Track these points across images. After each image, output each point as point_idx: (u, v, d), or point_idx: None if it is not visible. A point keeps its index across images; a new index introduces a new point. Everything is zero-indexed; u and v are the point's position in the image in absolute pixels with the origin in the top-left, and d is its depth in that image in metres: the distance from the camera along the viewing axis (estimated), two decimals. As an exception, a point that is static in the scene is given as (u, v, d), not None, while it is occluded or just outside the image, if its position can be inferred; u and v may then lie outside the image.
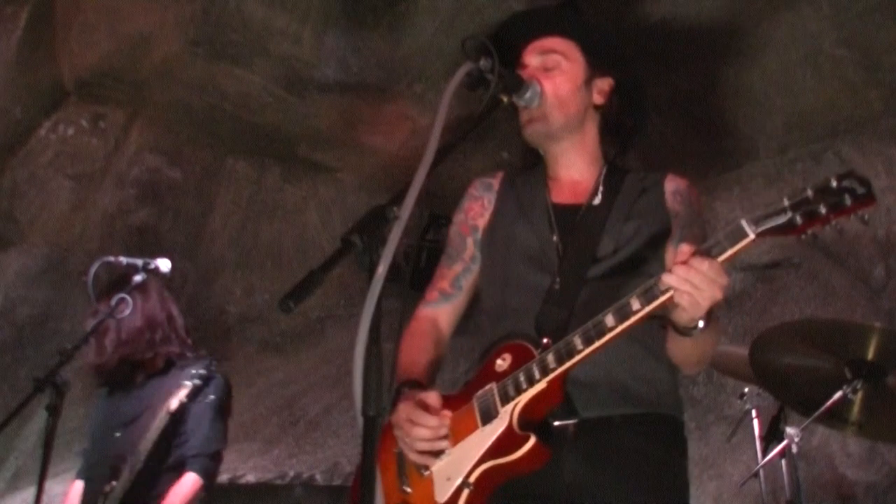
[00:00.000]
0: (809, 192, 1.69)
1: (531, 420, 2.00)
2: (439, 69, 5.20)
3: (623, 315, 1.89)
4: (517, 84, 2.18)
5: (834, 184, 1.67)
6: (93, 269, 3.44)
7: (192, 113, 5.63)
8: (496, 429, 2.01)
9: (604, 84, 2.35)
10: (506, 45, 2.30)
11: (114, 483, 3.41)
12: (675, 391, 2.22)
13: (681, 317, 1.85)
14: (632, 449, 2.07)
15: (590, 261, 2.18)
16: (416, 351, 2.33)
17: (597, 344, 1.93)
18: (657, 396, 2.14)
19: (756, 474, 3.52)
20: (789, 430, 3.29)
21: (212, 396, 3.63)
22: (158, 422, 3.45)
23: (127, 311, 3.41)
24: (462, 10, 5.00)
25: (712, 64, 4.97)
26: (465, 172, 5.34)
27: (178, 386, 3.51)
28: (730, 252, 1.77)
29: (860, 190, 1.65)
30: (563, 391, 2.02)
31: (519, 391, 2.01)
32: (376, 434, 1.54)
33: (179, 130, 5.73)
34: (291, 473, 5.18)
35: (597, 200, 2.27)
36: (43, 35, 5.13)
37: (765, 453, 3.45)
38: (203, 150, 5.84)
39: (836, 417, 3.18)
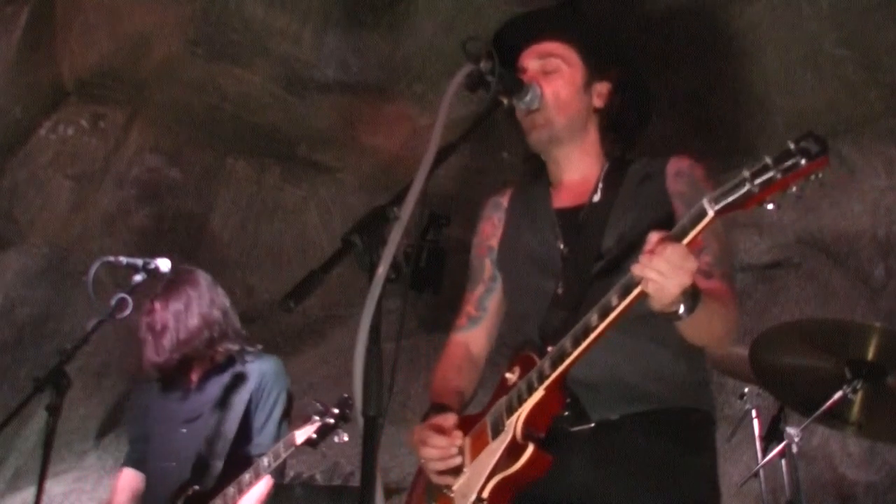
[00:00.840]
0: (768, 160, 1.64)
1: (536, 429, 2.00)
2: (439, 69, 5.20)
3: (604, 312, 1.88)
4: (517, 86, 2.18)
5: (792, 146, 1.62)
6: (93, 269, 3.41)
7: (192, 113, 5.63)
8: (503, 442, 2.03)
9: (602, 88, 2.36)
10: (504, 47, 2.31)
11: (196, 487, 3.39)
12: (698, 383, 2.19)
13: (653, 305, 1.83)
14: (638, 449, 2.06)
15: (593, 259, 2.18)
16: (445, 375, 2.36)
17: (584, 344, 1.91)
18: (671, 391, 2.12)
19: (756, 474, 3.52)
20: (789, 430, 3.29)
21: (276, 386, 3.61)
22: (281, 449, 3.36)
23: (127, 311, 3.39)
24: (462, 11, 5.00)
25: (712, 64, 4.97)
26: (465, 172, 5.35)
27: (307, 419, 3.42)
28: (692, 233, 1.75)
29: (814, 149, 1.60)
30: (563, 396, 2.02)
31: (521, 401, 2.02)
32: (376, 434, 1.54)
33: (179, 130, 5.73)
34: (291, 473, 5.17)
35: (597, 197, 2.27)
36: (43, 35, 5.13)
37: (765, 453, 3.45)
38: (203, 150, 5.84)
39: (836, 417, 3.18)
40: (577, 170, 2.35)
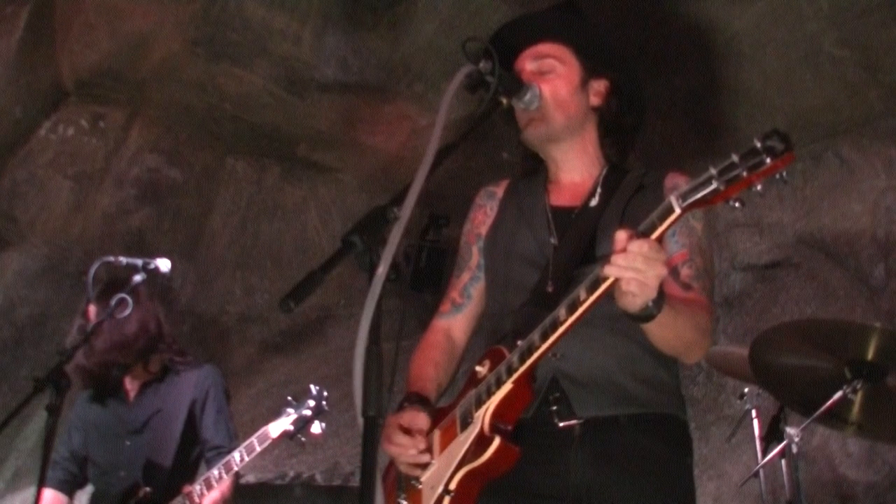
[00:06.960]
0: (735, 157, 1.66)
1: (504, 421, 2.02)
2: (439, 69, 5.20)
3: (572, 307, 1.90)
4: (517, 86, 2.19)
5: (758, 144, 1.64)
6: (93, 269, 3.41)
7: (192, 113, 5.64)
8: (470, 434, 2.04)
9: (600, 86, 2.36)
10: (501, 51, 2.31)
11: (148, 489, 3.39)
12: (677, 391, 2.22)
13: (633, 303, 1.83)
14: (638, 449, 2.08)
15: (583, 261, 2.18)
16: (424, 363, 2.36)
17: (552, 338, 1.93)
18: (657, 396, 2.14)
19: (756, 474, 3.52)
20: (789, 430, 3.28)
21: (219, 390, 3.63)
22: (255, 443, 3.36)
23: (127, 312, 3.39)
24: (461, 11, 5.01)
25: (712, 64, 4.97)
26: (465, 172, 5.35)
27: (280, 413, 3.45)
28: (660, 229, 1.77)
29: (779, 147, 1.62)
30: (532, 390, 2.04)
31: (490, 394, 2.04)
32: (376, 434, 1.54)
33: (179, 130, 5.74)
34: (291, 473, 5.18)
35: (593, 202, 2.27)
36: (43, 35, 5.14)
37: (765, 453, 3.45)
38: (203, 150, 5.85)
39: (836, 417, 3.18)
40: (576, 170, 2.35)
